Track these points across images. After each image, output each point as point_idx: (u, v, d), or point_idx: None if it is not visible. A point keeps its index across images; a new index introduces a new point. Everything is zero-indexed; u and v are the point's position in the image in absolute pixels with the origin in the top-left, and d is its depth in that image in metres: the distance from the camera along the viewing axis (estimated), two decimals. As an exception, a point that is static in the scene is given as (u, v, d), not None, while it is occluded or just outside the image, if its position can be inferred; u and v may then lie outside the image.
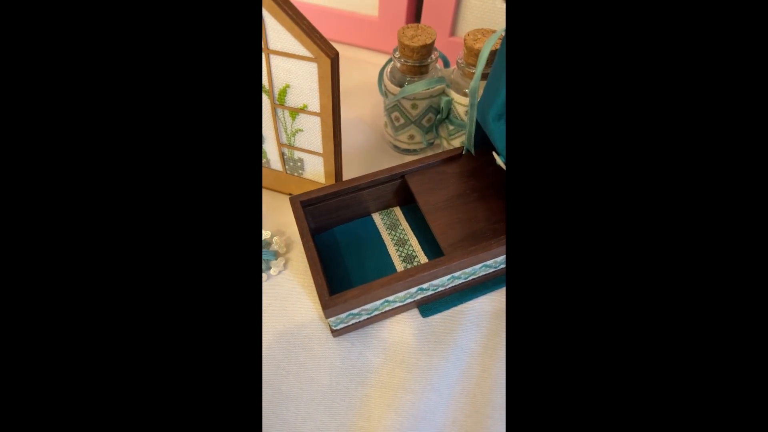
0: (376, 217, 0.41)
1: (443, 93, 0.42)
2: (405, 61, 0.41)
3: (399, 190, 0.40)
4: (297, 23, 0.31)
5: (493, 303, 0.37)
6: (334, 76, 0.33)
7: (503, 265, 0.37)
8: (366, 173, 0.38)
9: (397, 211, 0.41)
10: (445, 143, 0.46)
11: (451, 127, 0.44)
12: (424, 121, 0.44)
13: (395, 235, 0.40)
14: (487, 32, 0.39)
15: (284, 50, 0.33)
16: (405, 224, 0.40)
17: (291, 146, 0.39)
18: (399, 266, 0.38)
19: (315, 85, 0.34)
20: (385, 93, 0.44)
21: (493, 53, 0.37)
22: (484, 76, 0.38)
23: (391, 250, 0.39)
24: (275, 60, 0.34)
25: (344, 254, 0.38)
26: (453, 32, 0.54)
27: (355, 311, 0.33)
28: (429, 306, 0.36)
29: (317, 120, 0.36)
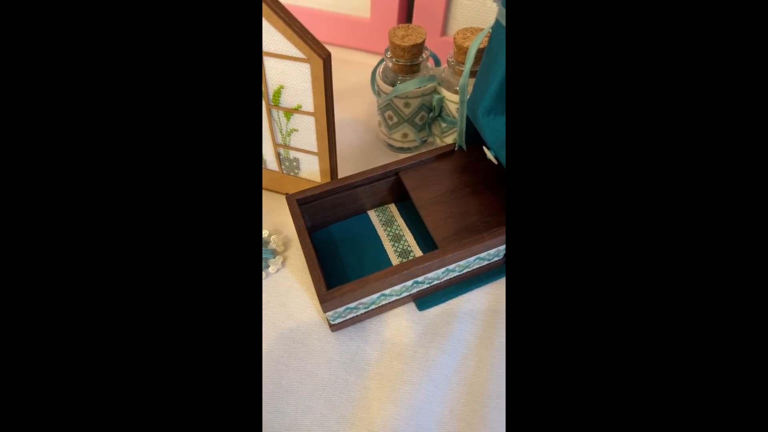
0: (372, 214, 0.42)
1: (435, 91, 0.43)
2: (396, 61, 0.41)
3: (393, 186, 0.41)
4: (289, 25, 0.32)
5: (488, 295, 0.38)
6: (327, 76, 0.34)
7: (497, 258, 0.38)
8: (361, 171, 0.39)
9: (392, 207, 0.42)
10: (438, 140, 0.47)
11: (443, 125, 0.45)
12: (417, 119, 0.45)
13: (390, 231, 0.40)
14: (476, 31, 0.40)
15: (278, 52, 0.34)
16: (400, 220, 0.41)
17: (286, 146, 0.40)
18: (395, 261, 0.38)
19: (308, 85, 0.35)
20: (378, 92, 0.44)
21: (480, 51, 0.38)
22: (473, 74, 0.39)
23: (387, 245, 0.39)
24: (269, 62, 0.34)
25: (341, 251, 0.39)
26: (444, 32, 0.55)
27: (353, 305, 0.33)
28: (425, 299, 0.37)
29: (311, 119, 0.37)
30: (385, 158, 0.49)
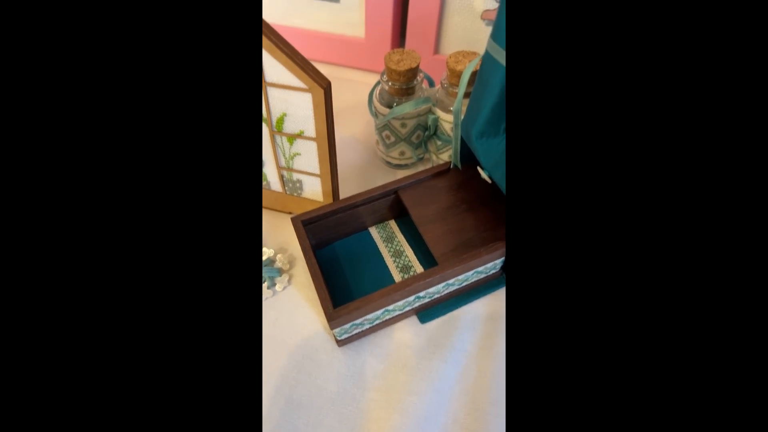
0: (373, 231, 0.43)
1: (430, 111, 0.45)
2: (392, 84, 0.43)
3: (393, 204, 0.43)
4: (291, 58, 0.34)
5: (486, 306, 0.40)
6: (328, 104, 0.36)
7: (493, 270, 0.40)
8: (361, 189, 0.41)
9: (392, 224, 0.44)
10: (434, 157, 0.49)
11: (438, 142, 0.47)
12: (413, 138, 0.47)
13: (391, 247, 0.42)
14: (468, 54, 0.42)
15: (280, 82, 0.35)
16: (400, 236, 0.43)
17: (290, 169, 0.42)
18: (396, 276, 0.40)
19: (310, 113, 0.36)
20: (375, 114, 0.46)
21: (473, 74, 0.40)
22: (466, 94, 0.41)
23: (389, 261, 0.41)
24: (273, 91, 0.36)
25: (345, 268, 0.41)
26: (436, 50, 0.57)
27: (358, 321, 0.35)
28: (426, 312, 0.39)
29: (314, 144, 0.39)
30: (383, 175, 0.50)
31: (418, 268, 0.40)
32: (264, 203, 0.47)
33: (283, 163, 0.42)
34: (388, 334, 0.38)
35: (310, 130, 0.38)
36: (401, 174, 0.50)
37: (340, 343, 0.37)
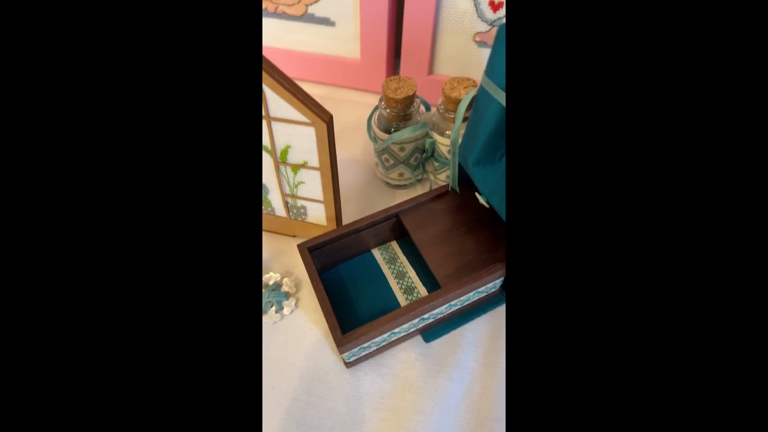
0: (376, 253, 0.45)
1: (427, 135, 0.47)
2: (390, 111, 0.45)
3: (394, 227, 0.44)
4: (294, 94, 0.35)
5: (487, 324, 0.41)
6: (330, 136, 0.37)
7: (494, 289, 0.41)
8: (362, 210, 0.42)
9: (394, 245, 0.45)
10: (432, 177, 0.51)
11: (436, 164, 0.48)
12: (411, 160, 0.49)
13: (394, 269, 0.44)
14: (462, 80, 0.44)
15: (284, 117, 0.37)
16: (403, 257, 0.44)
17: (294, 196, 0.43)
18: (400, 298, 0.41)
19: (313, 145, 0.38)
20: (374, 139, 0.48)
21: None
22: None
23: (392, 283, 0.43)
24: (276, 125, 0.37)
25: (350, 290, 0.42)
26: (431, 71, 0.59)
27: (365, 345, 0.36)
28: (430, 331, 0.40)
29: (317, 173, 0.40)
30: (383, 195, 0.52)
31: (421, 290, 0.42)
32: (268, 227, 0.48)
33: (287, 190, 0.43)
34: (394, 354, 0.40)
35: (314, 160, 0.39)
36: (401, 194, 0.52)
37: (348, 365, 0.39)
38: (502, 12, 0.52)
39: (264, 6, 0.60)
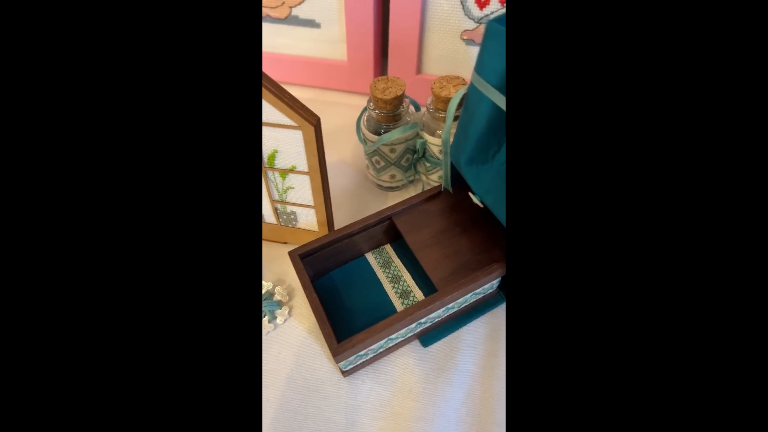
0: (370, 257, 0.44)
1: (417, 135, 0.46)
2: (379, 112, 0.44)
3: (388, 229, 0.43)
4: (280, 98, 0.34)
5: (485, 325, 0.41)
6: (318, 139, 0.36)
7: (491, 290, 0.41)
8: (354, 214, 0.41)
9: (388, 248, 0.44)
10: (424, 178, 0.50)
11: (428, 164, 0.47)
12: (402, 162, 0.48)
13: (389, 273, 0.43)
14: (451, 79, 0.43)
15: (270, 121, 0.36)
16: (397, 261, 0.43)
17: (283, 202, 0.42)
18: (396, 302, 0.41)
19: (301, 149, 0.37)
20: (364, 141, 0.47)
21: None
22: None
23: (387, 287, 0.42)
24: (263, 130, 0.36)
25: (344, 296, 0.41)
26: (419, 70, 0.58)
27: (362, 352, 0.35)
28: (428, 336, 0.40)
29: (306, 178, 0.39)
30: (375, 198, 0.51)
31: (417, 293, 0.41)
32: (259, 235, 0.47)
33: (276, 196, 0.42)
34: (392, 361, 0.39)
35: (302, 164, 0.38)
36: (393, 196, 0.51)
37: (345, 373, 0.38)
38: (489, 9, 0.52)
39: (247, 9, 0.59)
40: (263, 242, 0.47)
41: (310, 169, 0.38)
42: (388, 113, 0.44)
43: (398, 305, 0.40)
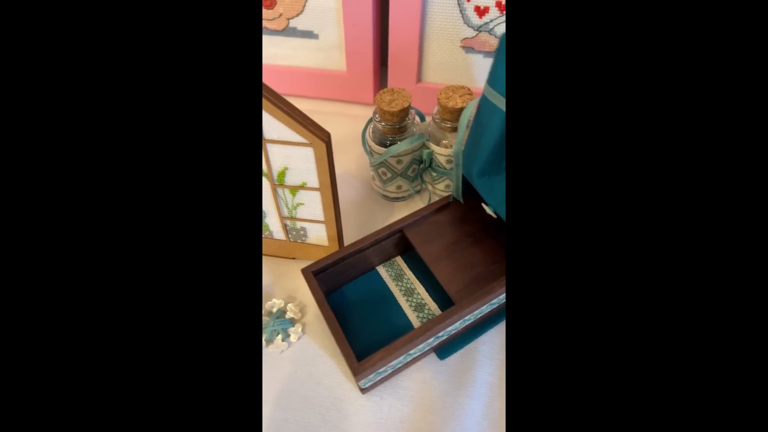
0: (381, 270, 0.44)
1: (424, 146, 0.46)
2: (385, 124, 0.44)
3: (398, 242, 0.43)
4: (290, 115, 0.34)
5: (500, 334, 0.41)
6: (329, 155, 0.36)
7: (504, 300, 0.41)
8: (362, 225, 0.41)
9: (399, 260, 0.44)
10: (430, 187, 0.50)
11: (434, 174, 0.47)
12: (409, 172, 0.48)
13: (402, 286, 0.42)
14: (457, 89, 0.43)
15: (280, 139, 0.35)
16: (409, 273, 0.43)
17: (293, 218, 0.42)
18: (411, 316, 0.40)
19: (312, 165, 0.36)
20: (370, 153, 0.47)
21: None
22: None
23: (401, 301, 0.41)
24: (272, 147, 0.36)
25: (358, 312, 0.41)
26: (419, 79, 0.58)
27: (381, 369, 0.35)
28: (444, 348, 0.39)
29: (317, 194, 0.39)
30: (381, 209, 0.51)
31: (432, 306, 0.41)
32: (267, 251, 0.46)
33: (285, 213, 0.41)
34: (409, 375, 0.39)
35: (313, 181, 0.38)
36: (399, 206, 0.51)
37: (364, 390, 0.37)
38: (488, 17, 0.52)
39: (243, 21, 0.58)
40: (272, 258, 0.46)
41: (321, 185, 0.38)
42: (394, 125, 0.44)
43: (413, 319, 0.40)
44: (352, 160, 0.56)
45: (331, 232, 0.42)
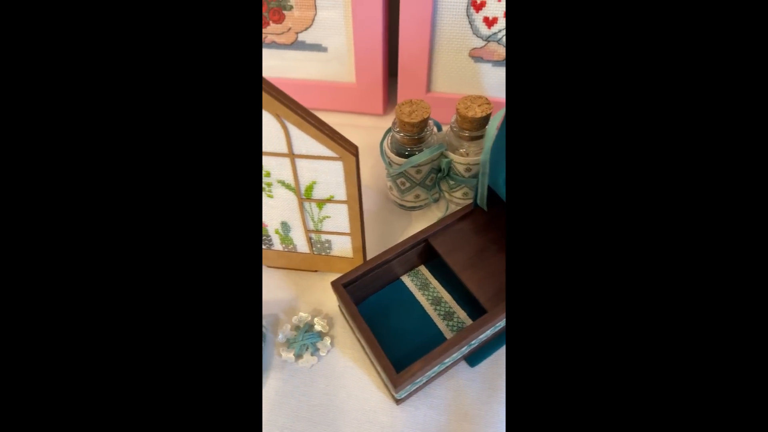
0: (406, 280, 0.44)
1: (442, 155, 0.46)
2: (404, 135, 0.44)
3: (422, 252, 0.43)
4: (321, 130, 0.34)
5: (529, 340, 0.41)
6: (357, 168, 0.36)
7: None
8: (381, 236, 0.41)
9: (423, 269, 0.45)
10: (447, 196, 0.50)
11: (451, 182, 0.48)
12: (427, 181, 0.48)
13: (429, 295, 0.43)
14: (476, 98, 0.44)
15: (309, 153, 0.35)
16: (434, 282, 0.43)
17: (318, 231, 0.42)
18: (441, 325, 0.41)
19: (341, 179, 0.37)
20: (389, 163, 0.47)
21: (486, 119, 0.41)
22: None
23: (429, 310, 0.42)
24: (301, 162, 0.36)
25: (386, 322, 0.41)
26: (428, 89, 0.59)
27: (418, 380, 0.35)
28: (474, 355, 0.40)
29: (344, 206, 0.39)
30: (399, 218, 0.51)
31: (461, 314, 0.41)
32: (289, 265, 0.46)
33: (311, 226, 0.41)
34: (442, 384, 0.39)
35: (341, 194, 0.38)
36: (417, 215, 0.51)
37: (399, 401, 0.37)
38: (496, 27, 0.53)
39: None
40: (294, 272, 0.46)
41: (348, 198, 0.38)
42: (413, 135, 0.44)
43: (443, 328, 0.40)
44: (366, 170, 0.56)
45: (357, 243, 0.42)
